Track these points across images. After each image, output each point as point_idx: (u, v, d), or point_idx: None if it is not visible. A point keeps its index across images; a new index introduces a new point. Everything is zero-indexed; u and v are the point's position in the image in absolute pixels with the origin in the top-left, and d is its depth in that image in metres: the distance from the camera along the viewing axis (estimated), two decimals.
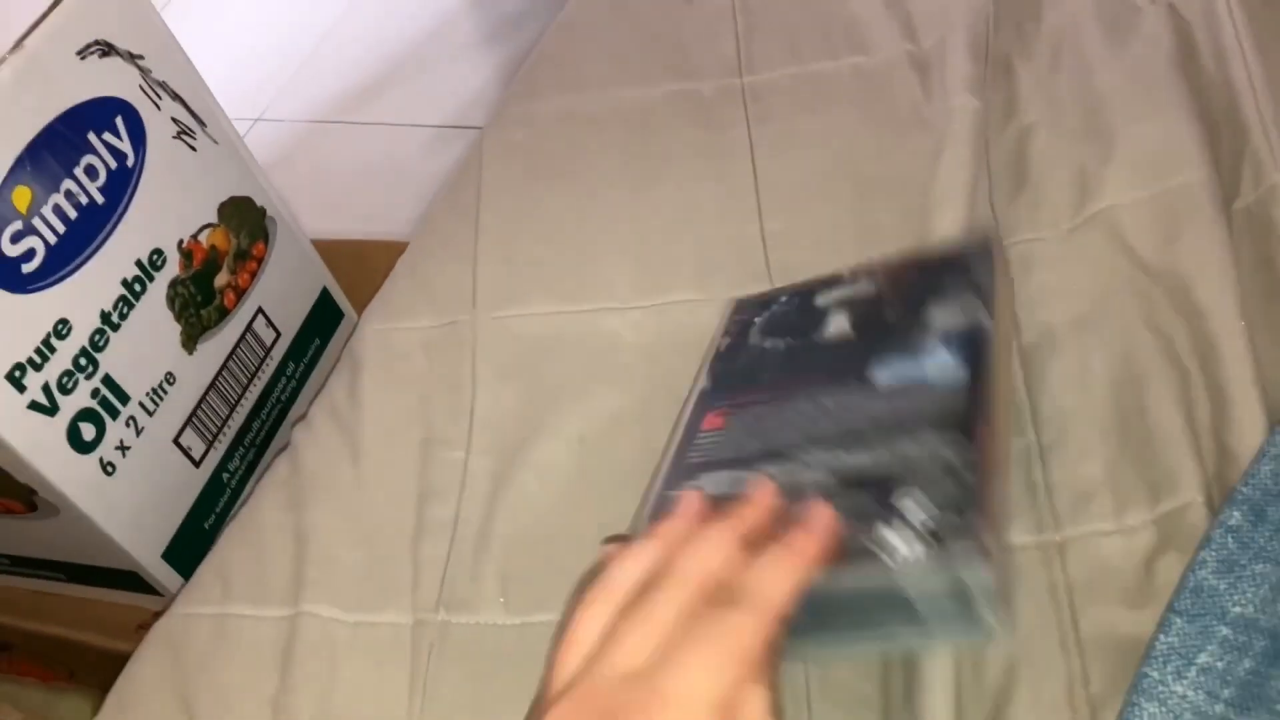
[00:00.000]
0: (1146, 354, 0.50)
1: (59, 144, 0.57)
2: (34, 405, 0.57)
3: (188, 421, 0.68)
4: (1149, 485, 0.46)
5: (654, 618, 0.37)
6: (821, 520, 0.40)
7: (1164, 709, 0.39)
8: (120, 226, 0.61)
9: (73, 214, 0.58)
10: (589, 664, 0.37)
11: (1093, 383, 0.50)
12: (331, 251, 0.81)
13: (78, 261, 0.59)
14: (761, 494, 0.42)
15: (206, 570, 0.54)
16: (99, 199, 0.60)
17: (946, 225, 0.56)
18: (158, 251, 0.64)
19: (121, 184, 0.62)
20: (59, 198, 0.58)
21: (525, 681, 0.47)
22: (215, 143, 0.68)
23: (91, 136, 0.59)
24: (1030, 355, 0.52)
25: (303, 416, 0.60)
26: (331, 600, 0.50)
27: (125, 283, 0.62)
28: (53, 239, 0.57)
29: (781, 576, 0.38)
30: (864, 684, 0.44)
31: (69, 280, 0.59)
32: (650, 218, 0.64)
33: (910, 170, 0.61)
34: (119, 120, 0.61)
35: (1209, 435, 0.46)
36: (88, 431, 0.60)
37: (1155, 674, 0.39)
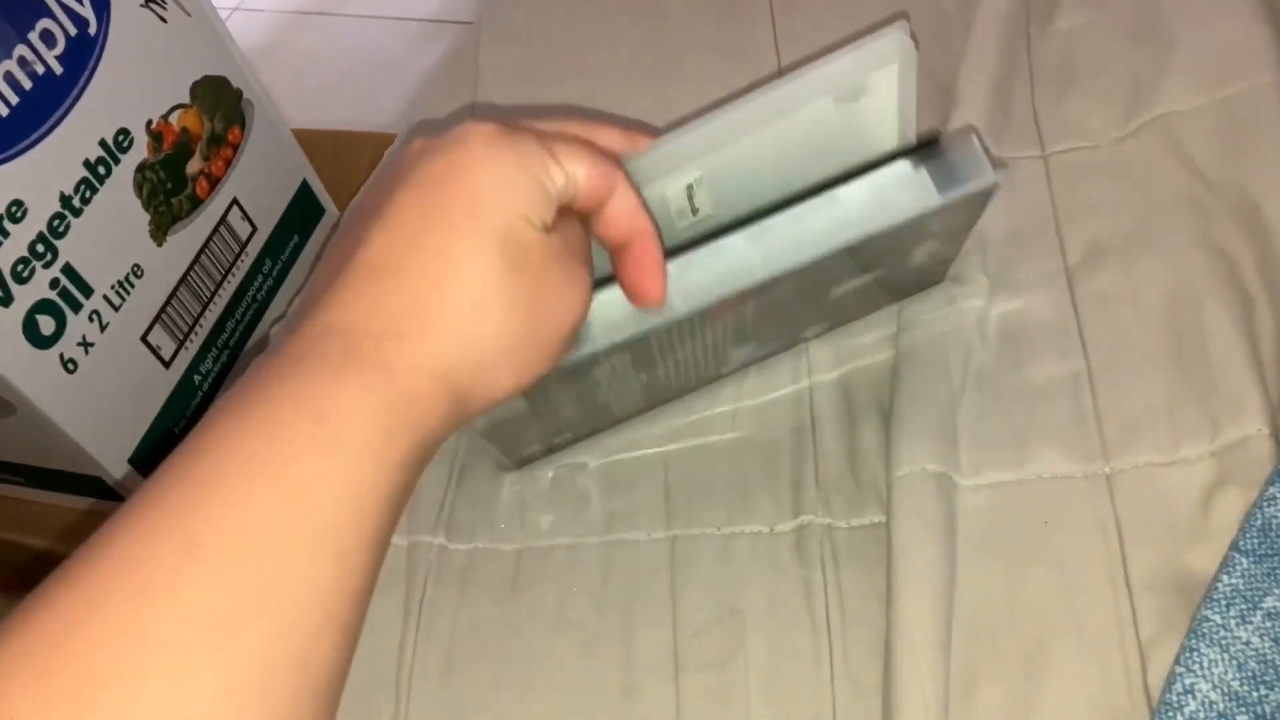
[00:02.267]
0: (1205, 274, 0.46)
1: (10, 4, 0.52)
2: None
3: (156, 318, 0.63)
4: (1208, 415, 0.42)
5: None
6: None
7: (1225, 654, 0.35)
8: (81, 101, 0.56)
9: (27, 84, 0.53)
10: None
11: (1145, 304, 0.46)
12: (312, 142, 0.76)
13: (33, 138, 0.54)
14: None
15: None
16: (57, 69, 0.54)
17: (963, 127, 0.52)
18: (124, 131, 0.59)
19: (83, 54, 0.56)
20: (11, 65, 0.52)
21: (525, 610, 0.44)
22: (188, 15, 0.62)
23: None
24: (1077, 273, 0.48)
25: (282, 316, 0.56)
26: None
27: (88, 164, 0.57)
28: (4, 111, 0.52)
29: None
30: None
31: (23, 158, 0.53)
32: (663, 116, 0.59)
33: (943, 70, 0.56)
34: None
35: (1274, 362, 0.43)
36: (46, 325, 0.56)
37: (1217, 617, 0.36)
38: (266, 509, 0.24)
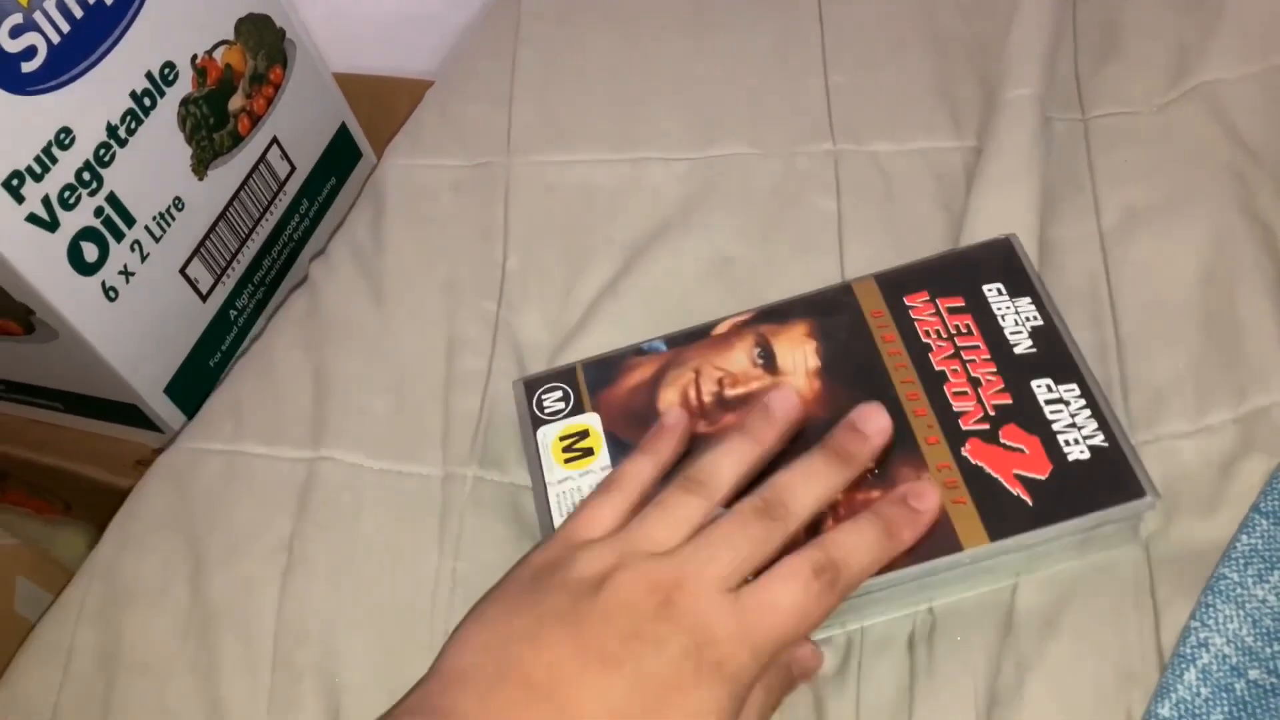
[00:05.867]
0: (1241, 243, 0.46)
1: None
2: (33, 218, 0.53)
3: (195, 252, 0.64)
4: (1235, 385, 0.43)
5: (678, 512, 0.36)
6: (928, 499, 0.38)
7: (1241, 611, 0.36)
8: (130, 32, 0.56)
9: (78, 12, 0.53)
10: (612, 540, 0.36)
11: (1179, 272, 0.46)
12: (352, 86, 0.76)
13: (83, 66, 0.54)
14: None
15: (217, 404, 0.51)
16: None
17: (1016, 93, 0.52)
18: (169, 65, 0.60)
19: None
20: None
21: None
22: None
23: None
24: (1110, 238, 0.48)
25: (321, 252, 0.56)
26: (355, 445, 0.47)
27: (134, 95, 0.58)
28: (56, 38, 0.52)
29: (866, 553, 0.36)
30: None
31: (73, 86, 0.54)
32: (703, 64, 0.59)
33: (989, 30, 0.56)
34: None
35: None
36: (90, 252, 0.57)
37: (1234, 576, 0.37)
38: None
